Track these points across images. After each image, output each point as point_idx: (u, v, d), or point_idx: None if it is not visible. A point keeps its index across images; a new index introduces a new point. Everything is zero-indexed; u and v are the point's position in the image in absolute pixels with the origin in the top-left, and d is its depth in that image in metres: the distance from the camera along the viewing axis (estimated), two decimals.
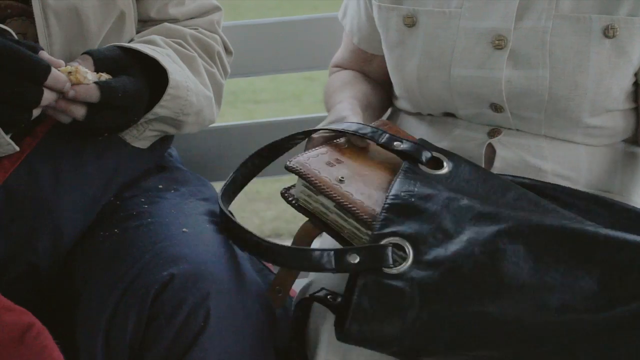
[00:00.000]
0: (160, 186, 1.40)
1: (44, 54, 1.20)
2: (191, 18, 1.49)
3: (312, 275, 1.35)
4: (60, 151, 1.30)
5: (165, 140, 1.46)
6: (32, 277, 1.30)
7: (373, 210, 1.16)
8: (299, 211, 1.25)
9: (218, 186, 1.55)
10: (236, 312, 1.21)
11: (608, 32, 1.31)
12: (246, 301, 1.23)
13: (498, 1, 1.35)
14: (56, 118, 1.24)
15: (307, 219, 1.24)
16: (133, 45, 1.31)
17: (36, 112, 1.19)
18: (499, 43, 1.34)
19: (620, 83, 1.33)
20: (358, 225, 1.17)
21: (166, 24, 1.44)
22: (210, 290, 1.20)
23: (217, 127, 1.73)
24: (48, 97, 1.18)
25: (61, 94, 1.20)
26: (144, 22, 1.46)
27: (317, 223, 1.23)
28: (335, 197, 1.18)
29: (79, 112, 1.23)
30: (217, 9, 1.53)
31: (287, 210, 3.88)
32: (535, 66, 1.33)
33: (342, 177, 1.21)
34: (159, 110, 1.31)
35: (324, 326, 1.25)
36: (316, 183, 1.20)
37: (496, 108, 1.37)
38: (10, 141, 1.18)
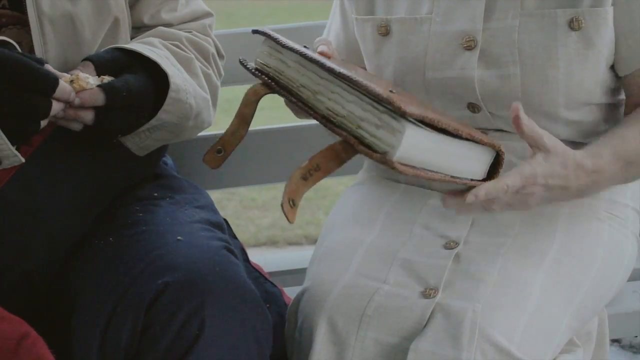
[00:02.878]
0: (155, 194, 1.41)
1: (49, 67, 1.21)
2: (184, 22, 1.50)
3: (307, 282, 1.36)
4: (55, 160, 1.30)
5: (160, 149, 1.47)
6: (27, 286, 1.30)
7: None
8: (255, 74, 1.28)
9: (213, 194, 1.55)
10: (231, 321, 1.21)
11: (573, 25, 1.32)
12: (241, 309, 1.23)
13: (466, 4, 1.38)
14: (67, 127, 1.25)
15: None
16: (132, 46, 1.32)
17: (43, 124, 1.20)
18: (468, 44, 1.37)
19: (592, 75, 1.35)
20: (317, 73, 1.19)
21: (161, 27, 1.45)
22: (205, 299, 1.19)
23: (212, 134, 1.73)
24: (56, 107, 1.19)
25: (67, 104, 1.21)
26: (138, 29, 1.46)
27: (269, 84, 1.26)
28: (299, 50, 1.22)
29: (88, 117, 1.24)
30: (209, 14, 1.54)
31: (282, 217, 3.87)
32: (505, 64, 1.35)
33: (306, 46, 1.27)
34: (163, 115, 1.31)
35: (318, 329, 1.25)
36: (281, 40, 1.25)
37: (474, 108, 1.40)
38: (17, 153, 1.19)
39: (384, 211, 1.43)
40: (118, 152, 1.36)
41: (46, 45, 1.31)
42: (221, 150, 1.25)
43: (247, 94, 1.26)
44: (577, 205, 1.40)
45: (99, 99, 1.23)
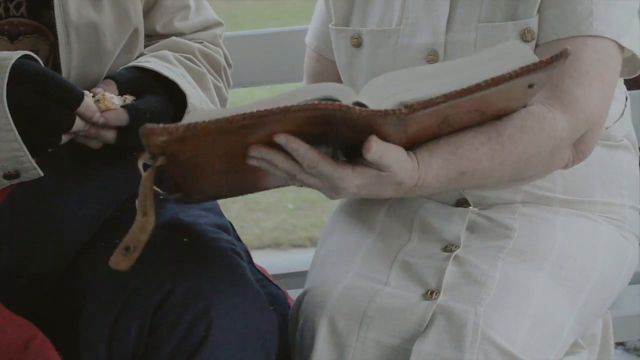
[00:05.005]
0: (161, 197, 1.41)
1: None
2: (196, 32, 1.51)
3: (308, 284, 1.36)
4: (66, 164, 1.31)
5: None
6: (34, 288, 1.31)
7: None
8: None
9: None
10: (238, 323, 1.21)
11: (526, 37, 1.31)
12: (248, 311, 1.23)
13: (430, 16, 1.37)
14: (87, 145, 1.27)
15: None
16: (152, 66, 1.33)
17: (65, 139, 1.21)
18: (431, 58, 1.36)
19: None
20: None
21: (174, 37, 1.47)
22: (212, 301, 1.20)
23: None
24: (79, 124, 1.21)
25: (90, 123, 1.22)
26: (150, 37, 1.47)
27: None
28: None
29: (110, 136, 1.25)
30: (219, 23, 1.56)
31: (286, 220, 3.88)
32: None
33: None
34: None
35: (319, 330, 1.25)
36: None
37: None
38: (36, 166, 1.19)
39: (383, 214, 1.43)
40: (127, 159, 1.36)
41: (70, 55, 1.32)
42: (130, 248, 1.13)
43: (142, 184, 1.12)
44: (572, 208, 1.40)
45: (123, 119, 1.25)
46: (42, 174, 1.21)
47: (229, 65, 1.56)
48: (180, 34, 1.48)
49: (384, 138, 1.09)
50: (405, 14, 1.39)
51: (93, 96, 1.24)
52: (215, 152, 1.09)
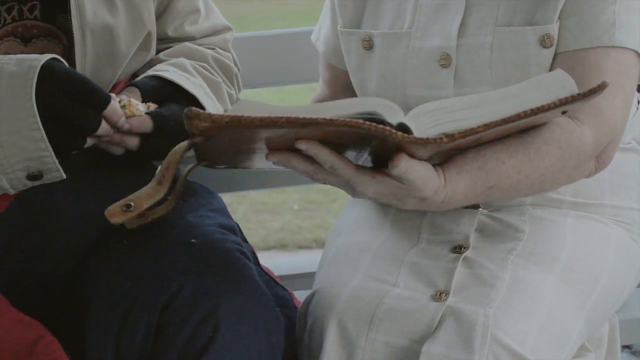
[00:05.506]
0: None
1: None
2: (206, 36, 1.53)
3: (316, 285, 1.36)
4: (75, 164, 1.31)
5: None
6: (43, 288, 1.31)
7: None
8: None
9: (226, 197, 1.56)
10: (245, 323, 1.22)
11: (545, 43, 1.31)
12: (255, 312, 1.23)
13: (443, 19, 1.37)
14: (109, 151, 1.27)
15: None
16: (173, 77, 1.35)
17: (89, 142, 1.22)
18: (444, 62, 1.36)
19: None
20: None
21: (187, 44, 1.48)
22: (219, 302, 1.20)
23: None
24: (104, 127, 1.21)
25: (115, 128, 1.23)
26: (161, 40, 1.48)
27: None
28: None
29: (133, 142, 1.26)
30: (228, 28, 1.57)
31: (292, 221, 3.88)
32: (479, 84, 1.34)
33: None
34: None
35: (328, 331, 1.25)
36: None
37: None
38: (60, 167, 1.20)
39: (391, 216, 1.43)
40: (138, 160, 1.37)
41: (85, 57, 1.33)
42: (130, 206, 1.13)
43: (171, 153, 1.14)
44: (582, 211, 1.40)
45: (148, 126, 1.26)
46: (64, 176, 1.21)
47: (238, 69, 1.58)
48: (191, 38, 1.50)
49: (412, 154, 1.11)
50: (417, 17, 1.39)
51: (119, 102, 1.24)
52: (252, 139, 1.11)
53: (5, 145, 1.16)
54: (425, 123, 1.09)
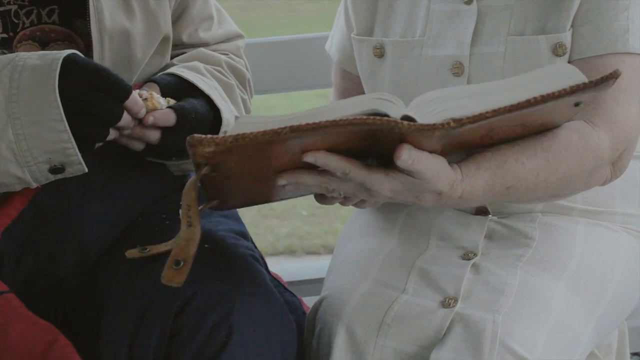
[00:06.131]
0: (200, 208, 1.43)
1: None
2: (220, 42, 1.54)
3: (325, 291, 1.36)
4: (89, 168, 1.32)
5: None
6: (57, 291, 1.32)
7: None
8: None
9: None
10: (258, 329, 1.22)
11: (557, 51, 1.31)
12: (268, 317, 1.24)
13: (455, 28, 1.37)
14: (129, 146, 1.28)
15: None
16: (187, 76, 1.36)
17: (112, 135, 1.22)
18: (456, 70, 1.36)
19: None
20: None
21: (202, 49, 1.49)
22: (232, 307, 1.21)
23: None
24: (126, 119, 1.22)
25: (137, 120, 1.24)
26: (175, 46, 1.49)
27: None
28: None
29: (155, 136, 1.27)
30: (241, 35, 1.59)
31: (300, 227, 3.88)
32: None
33: None
34: None
35: (337, 337, 1.26)
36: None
37: None
38: (82, 160, 1.20)
39: (400, 222, 1.43)
40: (150, 164, 1.38)
41: (103, 62, 1.33)
42: (180, 262, 1.12)
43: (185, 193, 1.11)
44: (592, 218, 1.39)
45: (171, 119, 1.26)
46: (86, 169, 1.21)
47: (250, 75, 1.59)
48: (205, 44, 1.51)
49: (421, 146, 1.09)
50: (429, 25, 1.39)
51: (140, 96, 1.25)
52: (258, 160, 1.10)
53: (28, 137, 1.16)
54: (429, 111, 1.08)
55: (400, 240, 1.40)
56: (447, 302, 1.25)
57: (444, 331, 1.23)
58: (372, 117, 1.04)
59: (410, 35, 1.40)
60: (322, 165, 1.10)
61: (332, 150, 1.10)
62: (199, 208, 1.13)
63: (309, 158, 1.09)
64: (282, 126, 1.03)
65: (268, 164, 1.11)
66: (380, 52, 1.43)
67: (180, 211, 1.12)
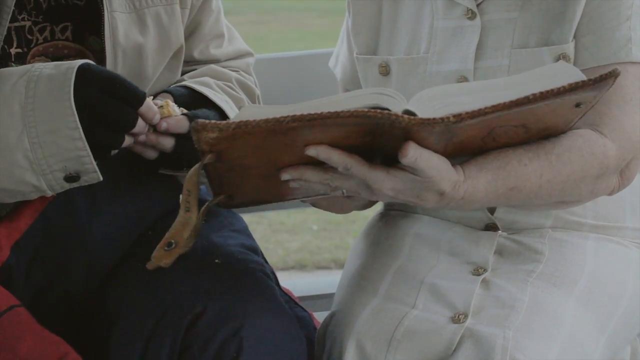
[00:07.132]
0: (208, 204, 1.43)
1: None
2: (231, 59, 1.55)
3: (335, 306, 1.36)
4: (98, 185, 1.33)
5: None
6: (67, 305, 1.33)
7: None
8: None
9: (247, 218, 1.56)
10: (268, 344, 1.22)
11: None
12: (278, 332, 1.24)
13: (459, 42, 1.37)
14: (143, 154, 1.29)
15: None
16: (200, 88, 1.37)
17: (127, 141, 1.23)
18: None
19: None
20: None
21: (212, 66, 1.50)
22: (243, 322, 1.21)
23: None
24: (140, 125, 1.23)
25: (151, 126, 1.25)
26: (187, 62, 1.50)
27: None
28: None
29: (168, 143, 1.27)
30: (250, 53, 1.60)
31: (311, 241, 3.88)
32: None
33: None
34: None
35: (347, 352, 1.25)
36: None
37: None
38: (97, 169, 1.21)
39: (410, 237, 1.43)
40: (158, 178, 1.38)
41: None
42: (172, 243, 1.18)
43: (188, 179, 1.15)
44: (602, 233, 1.39)
45: (184, 126, 1.27)
46: (101, 178, 1.22)
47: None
48: (216, 61, 1.52)
49: (422, 143, 1.10)
50: (433, 41, 1.39)
51: (155, 104, 1.26)
52: (262, 153, 1.11)
53: (44, 146, 1.17)
54: (430, 107, 1.09)
55: (410, 255, 1.40)
56: (457, 318, 1.25)
57: (454, 347, 1.22)
58: (373, 110, 1.05)
59: (414, 52, 1.41)
60: (324, 159, 1.11)
61: (334, 145, 1.11)
62: (207, 204, 1.15)
63: (311, 151, 1.10)
64: (285, 115, 1.05)
65: (271, 157, 1.12)
66: (385, 70, 1.44)
67: (181, 196, 1.15)
